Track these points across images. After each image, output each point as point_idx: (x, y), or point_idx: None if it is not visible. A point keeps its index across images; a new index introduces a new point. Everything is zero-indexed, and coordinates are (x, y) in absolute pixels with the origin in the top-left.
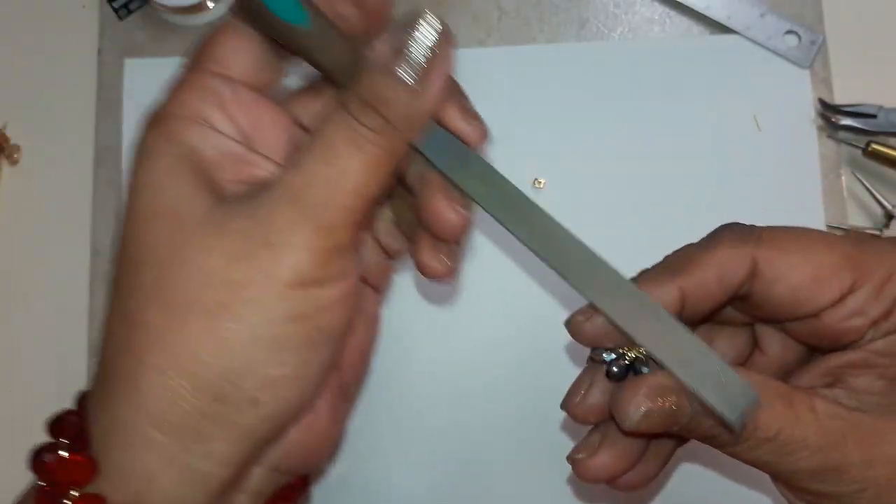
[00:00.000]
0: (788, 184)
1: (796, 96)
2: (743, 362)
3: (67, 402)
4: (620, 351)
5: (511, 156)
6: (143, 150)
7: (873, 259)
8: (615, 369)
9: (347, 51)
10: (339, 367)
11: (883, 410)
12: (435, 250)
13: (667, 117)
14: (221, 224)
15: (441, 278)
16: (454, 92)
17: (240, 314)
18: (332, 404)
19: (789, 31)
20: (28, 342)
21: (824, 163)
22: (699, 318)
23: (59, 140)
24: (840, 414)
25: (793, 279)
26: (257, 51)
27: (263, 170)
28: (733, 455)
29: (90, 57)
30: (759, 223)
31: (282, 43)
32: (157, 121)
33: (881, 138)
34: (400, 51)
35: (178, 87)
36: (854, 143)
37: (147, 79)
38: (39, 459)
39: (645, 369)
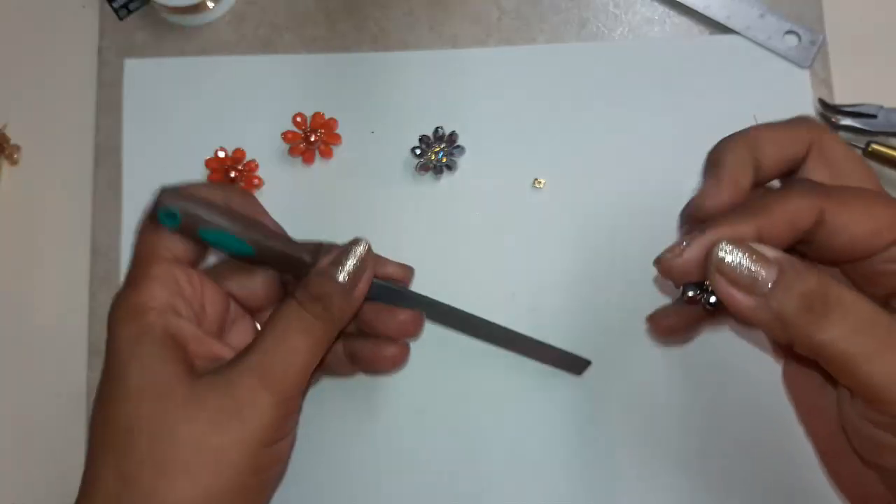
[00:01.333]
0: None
1: (796, 96)
2: None
3: (67, 402)
4: (705, 285)
5: (511, 155)
6: (126, 339)
7: None
8: (706, 297)
9: (285, 255)
10: None
11: None
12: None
13: (667, 117)
14: (201, 399)
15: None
16: (379, 259)
17: (218, 473)
18: None
19: (789, 31)
20: (28, 342)
21: None
22: None
23: (59, 140)
24: None
25: (854, 230)
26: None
27: (217, 347)
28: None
29: (90, 57)
30: None
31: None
32: (134, 314)
33: (881, 138)
34: (338, 262)
35: (146, 279)
36: (854, 143)
37: (147, 79)
38: None
39: None
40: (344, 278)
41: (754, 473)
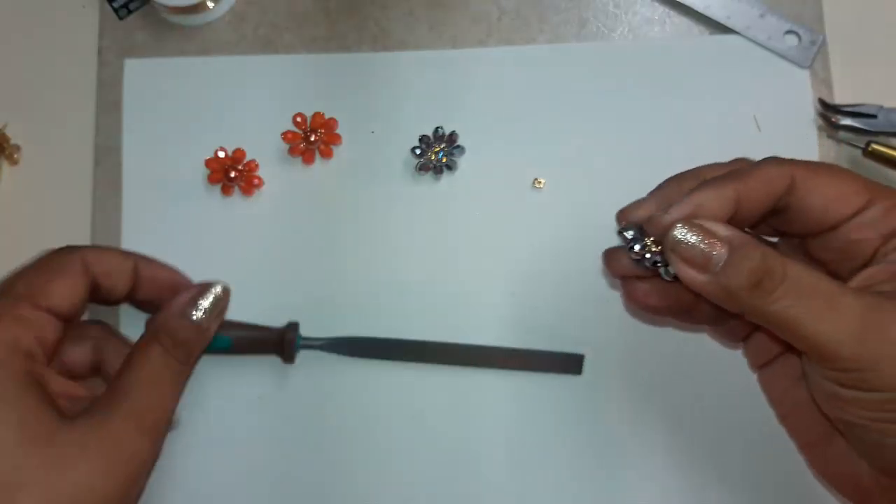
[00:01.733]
0: None
1: (796, 96)
2: None
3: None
4: (646, 242)
5: (511, 155)
6: None
7: (886, 190)
8: (665, 269)
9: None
10: None
11: None
12: None
13: (667, 117)
14: (83, 445)
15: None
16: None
17: None
18: None
19: (789, 31)
20: None
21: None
22: (749, 223)
23: (59, 140)
24: (871, 304)
25: (824, 192)
26: (82, 293)
27: (71, 386)
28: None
29: (90, 57)
30: None
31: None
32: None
33: (881, 138)
34: (195, 301)
35: (15, 319)
36: (854, 143)
37: (147, 79)
38: None
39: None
40: (200, 320)
41: (757, 468)
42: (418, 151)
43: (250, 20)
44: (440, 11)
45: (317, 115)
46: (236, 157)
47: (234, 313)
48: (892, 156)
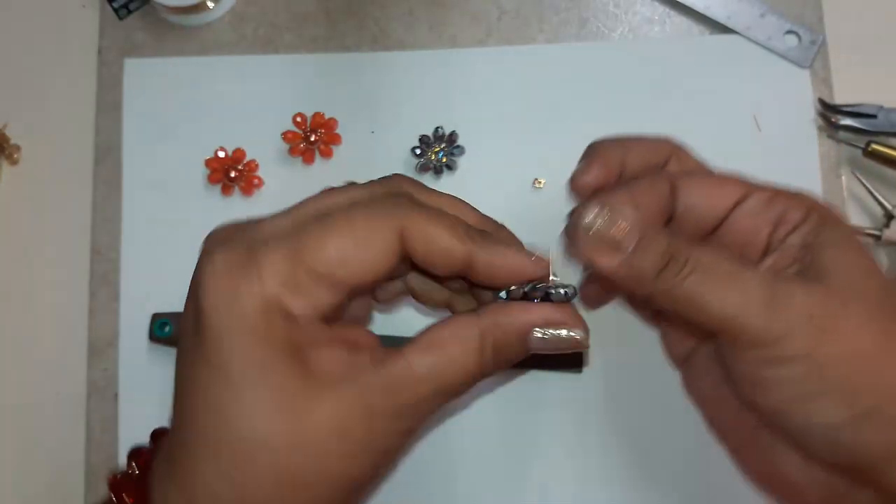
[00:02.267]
0: (788, 183)
1: (796, 96)
2: None
3: (66, 402)
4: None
5: (511, 155)
6: (243, 341)
7: (760, 184)
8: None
9: None
10: None
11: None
12: None
13: (667, 117)
14: (310, 402)
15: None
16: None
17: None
18: None
19: (789, 31)
20: (28, 342)
21: (824, 163)
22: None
23: (59, 140)
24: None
25: (700, 190)
26: (383, 269)
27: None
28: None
29: (90, 57)
30: None
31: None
32: (234, 294)
33: (881, 138)
34: (546, 332)
35: (261, 270)
36: (854, 143)
37: (147, 78)
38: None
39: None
40: (534, 346)
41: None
42: (418, 151)
43: (250, 20)
44: (440, 11)
45: (317, 115)
46: (236, 156)
47: None
48: (892, 156)
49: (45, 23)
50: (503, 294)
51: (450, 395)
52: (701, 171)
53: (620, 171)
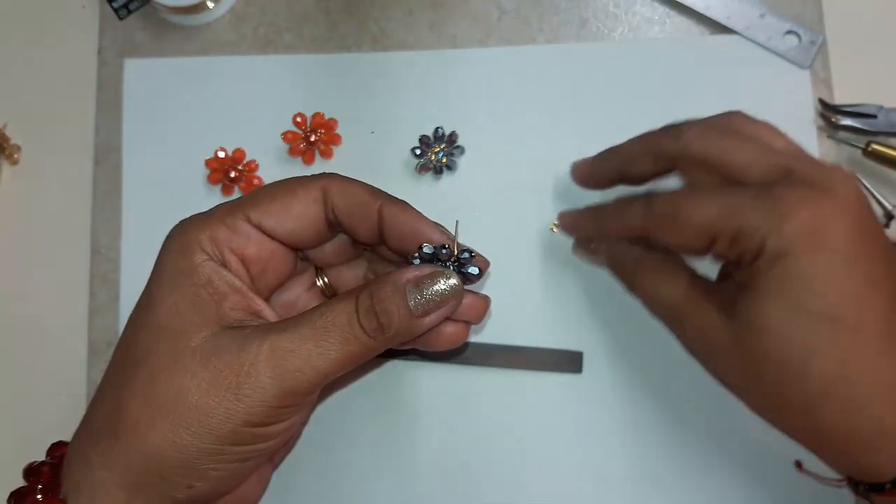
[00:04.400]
0: None
1: (796, 96)
2: None
3: (67, 402)
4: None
5: (511, 155)
6: (168, 271)
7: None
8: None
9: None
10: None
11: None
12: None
13: (667, 117)
14: (208, 356)
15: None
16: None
17: (196, 432)
18: (259, 473)
19: (789, 32)
20: (28, 342)
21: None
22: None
23: (59, 140)
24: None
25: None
26: (312, 221)
27: (259, 304)
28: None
29: (90, 57)
30: None
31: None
32: (186, 248)
33: (881, 138)
34: (420, 283)
35: (215, 220)
36: (854, 143)
37: (147, 79)
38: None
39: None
40: (415, 305)
41: (757, 464)
42: (418, 152)
43: (250, 20)
44: (440, 11)
45: (317, 115)
46: (236, 157)
47: None
48: (892, 156)
49: (45, 23)
50: (415, 260)
51: (322, 381)
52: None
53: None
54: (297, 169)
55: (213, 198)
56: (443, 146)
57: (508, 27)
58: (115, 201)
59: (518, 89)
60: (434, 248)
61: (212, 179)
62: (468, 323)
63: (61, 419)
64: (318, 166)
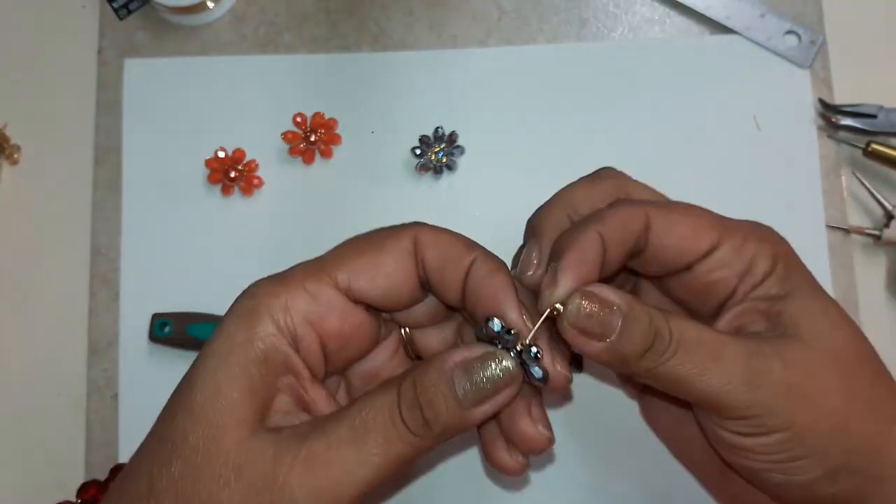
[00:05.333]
0: (788, 184)
1: (796, 96)
2: None
3: (66, 402)
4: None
5: (511, 155)
6: (222, 338)
7: (732, 225)
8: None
9: None
10: None
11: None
12: (510, 451)
13: (667, 117)
14: (242, 464)
15: (513, 474)
16: (528, 395)
17: None
18: None
19: (789, 32)
20: (28, 342)
21: (824, 163)
22: (614, 267)
23: (59, 140)
24: (745, 350)
25: (678, 230)
26: (404, 279)
27: (312, 396)
28: (664, 381)
29: (90, 57)
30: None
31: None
32: (250, 313)
33: (881, 138)
34: (469, 367)
35: (294, 286)
36: (854, 143)
37: (147, 79)
38: None
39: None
40: (464, 393)
41: None
42: (418, 151)
43: (250, 20)
44: (440, 11)
45: (317, 115)
46: (236, 157)
47: None
48: (892, 156)
49: (45, 23)
50: (478, 331)
51: (366, 491)
52: (677, 203)
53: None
54: (298, 169)
55: (213, 198)
56: (443, 146)
57: (508, 27)
58: (115, 201)
59: (518, 89)
60: (501, 326)
61: (212, 179)
62: (525, 460)
63: (61, 419)
64: (318, 166)
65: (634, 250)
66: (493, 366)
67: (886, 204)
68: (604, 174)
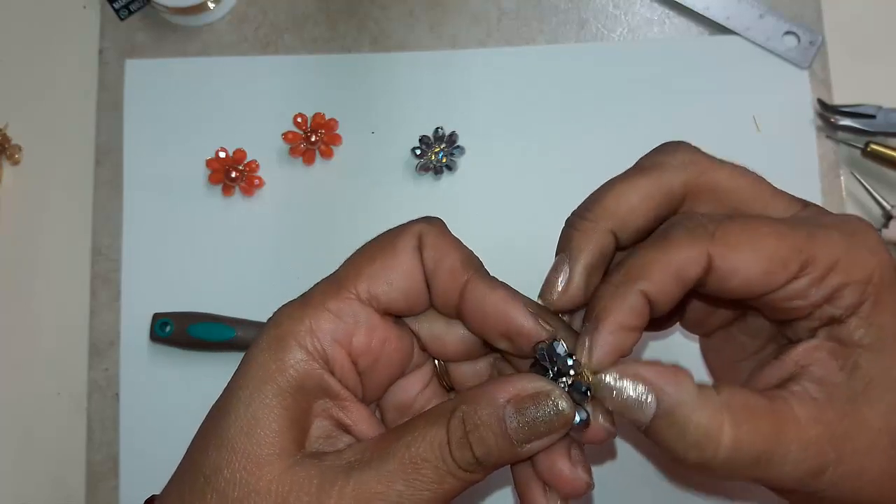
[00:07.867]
0: (788, 184)
1: (795, 97)
2: None
3: (67, 402)
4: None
5: (511, 155)
6: (253, 369)
7: (821, 247)
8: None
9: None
10: None
11: (847, 402)
12: (547, 494)
13: (666, 117)
14: (287, 493)
15: None
16: (568, 441)
17: None
18: None
19: (788, 32)
20: (29, 342)
21: (823, 163)
22: (661, 314)
23: (59, 140)
24: (818, 417)
25: (746, 273)
26: (419, 280)
27: (351, 418)
28: (720, 474)
29: (91, 57)
30: None
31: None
32: (278, 342)
33: (880, 138)
34: (521, 406)
35: (312, 306)
36: (853, 143)
37: (148, 79)
38: None
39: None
40: (515, 431)
41: None
42: (418, 152)
43: (251, 21)
44: (440, 12)
45: (317, 115)
46: (237, 157)
47: (234, 312)
48: (892, 156)
49: (46, 23)
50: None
51: None
52: (744, 228)
53: (614, 248)
54: (298, 169)
55: (213, 198)
56: (443, 146)
57: (508, 27)
58: (115, 201)
59: (518, 89)
60: (566, 349)
61: (212, 180)
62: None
63: (61, 419)
64: (319, 166)
65: (691, 292)
66: (548, 405)
67: (885, 204)
68: (666, 160)
